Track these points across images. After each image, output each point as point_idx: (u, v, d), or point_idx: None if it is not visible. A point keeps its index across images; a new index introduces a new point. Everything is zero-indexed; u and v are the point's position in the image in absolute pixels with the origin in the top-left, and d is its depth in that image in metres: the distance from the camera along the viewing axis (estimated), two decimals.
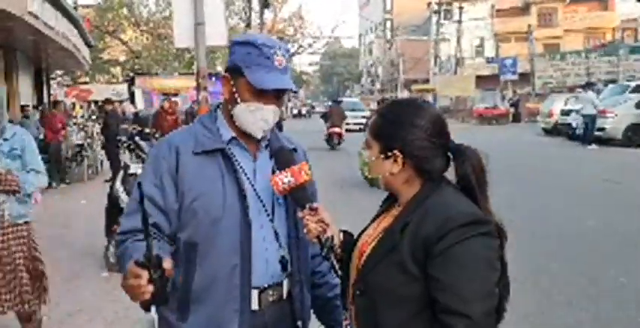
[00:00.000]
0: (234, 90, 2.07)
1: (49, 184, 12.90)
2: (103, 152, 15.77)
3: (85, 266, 6.88)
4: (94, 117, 22.70)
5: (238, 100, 2.06)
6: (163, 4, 37.82)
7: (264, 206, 2.09)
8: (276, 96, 2.07)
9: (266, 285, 2.07)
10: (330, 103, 25.64)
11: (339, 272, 1.98)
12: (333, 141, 20.03)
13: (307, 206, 2.00)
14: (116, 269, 5.87)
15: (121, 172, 7.22)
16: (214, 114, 2.18)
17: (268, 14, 44.27)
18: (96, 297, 5.85)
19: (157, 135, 12.69)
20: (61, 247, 7.76)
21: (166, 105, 14.00)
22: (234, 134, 2.11)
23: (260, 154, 2.16)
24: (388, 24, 63.58)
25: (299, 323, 2.16)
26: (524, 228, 8.12)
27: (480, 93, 41.81)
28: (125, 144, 10.39)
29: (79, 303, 5.71)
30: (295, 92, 3.13)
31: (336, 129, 19.96)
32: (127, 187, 6.68)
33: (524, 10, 51.60)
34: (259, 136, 2.10)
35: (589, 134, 18.89)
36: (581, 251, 7.00)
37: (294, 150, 2.26)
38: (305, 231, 2.00)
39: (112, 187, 7.08)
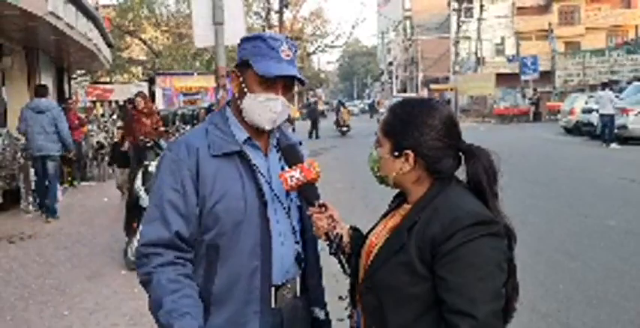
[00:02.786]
0: (242, 83, 2.09)
1: (71, 183, 13.11)
2: None
3: (105, 264, 6.95)
4: (114, 116, 22.83)
5: (247, 93, 2.07)
6: (183, 3, 38.00)
7: (281, 204, 2.11)
8: (284, 87, 2.08)
9: (280, 283, 2.09)
10: (336, 102, 41.03)
11: (347, 270, 1.98)
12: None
13: (316, 203, 2.02)
14: (135, 267, 5.92)
15: (141, 171, 7.28)
16: (224, 113, 2.18)
17: (287, 13, 44.34)
18: (116, 294, 5.91)
19: (123, 147, 10.74)
20: (81, 245, 7.86)
21: (140, 103, 10.47)
22: (247, 134, 2.12)
23: (270, 152, 2.18)
24: (408, 22, 63.38)
25: (316, 309, 2.19)
26: (544, 227, 8.10)
27: (500, 91, 41.54)
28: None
29: (100, 301, 5.77)
30: (303, 82, 3.07)
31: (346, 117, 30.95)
32: (147, 186, 6.74)
33: (546, 8, 51.14)
34: (268, 128, 2.10)
35: (609, 133, 18.68)
36: (601, 251, 6.94)
37: (300, 143, 2.30)
38: (314, 228, 2.02)
39: (131, 186, 7.15)
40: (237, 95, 2.13)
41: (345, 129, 30.17)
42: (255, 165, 2.08)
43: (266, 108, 2.06)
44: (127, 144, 10.58)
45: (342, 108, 31.08)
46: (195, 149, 2.03)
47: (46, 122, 9.46)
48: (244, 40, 2.12)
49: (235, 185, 2.02)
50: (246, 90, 2.08)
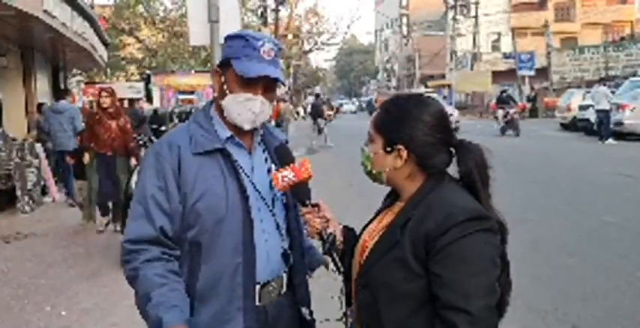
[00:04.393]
0: (223, 82, 2.09)
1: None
2: None
3: (102, 264, 6.94)
4: None
5: (227, 92, 2.07)
6: (179, 1, 37.93)
7: (264, 201, 2.11)
8: (264, 87, 2.07)
9: (265, 281, 2.09)
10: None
11: (341, 268, 1.98)
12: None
13: (308, 202, 2.02)
14: None
15: (137, 169, 7.26)
16: (208, 111, 2.18)
17: (284, 11, 44.33)
18: (114, 294, 5.89)
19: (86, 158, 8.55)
20: (78, 244, 7.84)
21: (105, 101, 8.31)
22: (230, 132, 2.12)
23: (255, 149, 2.18)
24: (404, 19, 63.37)
25: (304, 310, 2.19)
26: (541, 224, 8.11)
27: (496, 88, 41.60)
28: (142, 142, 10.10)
29: (98, 300, 5.77)
30: (283, 83, 3.02)
31: (330, 112, 31.72)
32: None
33: (542, 4, 51.13)
34: (247, 128, 2.10)
35: (605, 129, 18.69)
36: (598, 247, 6.95)
37: (286, 141, 2.30)
38: (306, 227, 2.01)
39: (127, 184, 7.13)
40: (218, 94, 2.13)
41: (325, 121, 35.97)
42: (237, 162, 2.08)
43: (245, 108, 2.06)
44: (86, 156, 8.53)
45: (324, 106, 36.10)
46: (177, 147, 2.04)
47: (64, 121, 10.62)
48: (228, 38, 2.11)
49: (217, 183, 2.02)
50: (226, 89, 2.08)
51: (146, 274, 1.94)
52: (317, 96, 30.40)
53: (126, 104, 17.07)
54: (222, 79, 2.09)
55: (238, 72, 2.01)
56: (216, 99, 2.17)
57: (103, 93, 8.38)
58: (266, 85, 2.08)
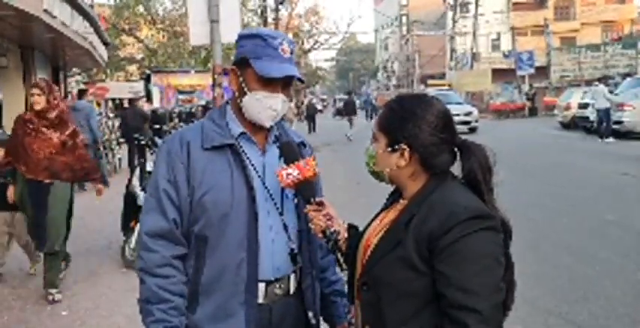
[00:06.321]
0: (241, 81, 2.10)
1: None
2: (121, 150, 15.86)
3: (103, 263, 6.94)
4: (111, 115, 22.77)
5: (246, 91, 2.08)
6: (179, 1, 37.93)
7: (273, 200, 2.11)
8: (283, 85, 2.10)
9: (272, 278, 2.10)
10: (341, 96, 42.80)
11: (344, 267, 1.99)
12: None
13: (313, 200, 2.02)
14: (133, 266, 5.87)
15: (138, 169, 7.27)
16: (224, 109, 2.20)
17: (284, 10, 44.25)
18: (115, 293, 5.90)
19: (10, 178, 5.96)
20: (79, 244, 7.82)
21: (39, 100, 5.54)
22: (243, 129, 2.13)
23: (269, 148, 2.18)
24: (404, 19, 63.32)
25: (310, 314, 2.19)
26: (543, 223, 8.10)
27: (496, 87, 41.56)
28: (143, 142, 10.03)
29: (98, 299, 5.77)
30: (302, 81, 3.04)
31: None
32: (144, 184, 6.71)
33: (541, 3, 51.11)
34: (268, 125, 2.12)
35: (606, 127, 18.69)
36: (599, 246, 6.95)
37: (302, 144, 2.30)
38: (310, 225, 2.02)
39: (129, 184, 7.14)
40: (236, 93, 2.14)
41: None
42: (247, 158, 2.09)
43: (266, 106, 2.08)
44: (11, 189, 5.96)
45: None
46: (187, 141, 2.08)
47: (81, 118, 11.52)
48: (242, 37, 2.12)
49: (224, 178, 2.04)
50: (245, 88, 2.09)
51: (153, 283, 2.00)
52: (349, 93, 30.87)
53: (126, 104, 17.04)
54: (240, 78, 2.10)
55: (260, 72, 2.02)
56: (233, 97, 2.18)
57: (34, 90, 5.61)
58: (284, 83, 2.10)
